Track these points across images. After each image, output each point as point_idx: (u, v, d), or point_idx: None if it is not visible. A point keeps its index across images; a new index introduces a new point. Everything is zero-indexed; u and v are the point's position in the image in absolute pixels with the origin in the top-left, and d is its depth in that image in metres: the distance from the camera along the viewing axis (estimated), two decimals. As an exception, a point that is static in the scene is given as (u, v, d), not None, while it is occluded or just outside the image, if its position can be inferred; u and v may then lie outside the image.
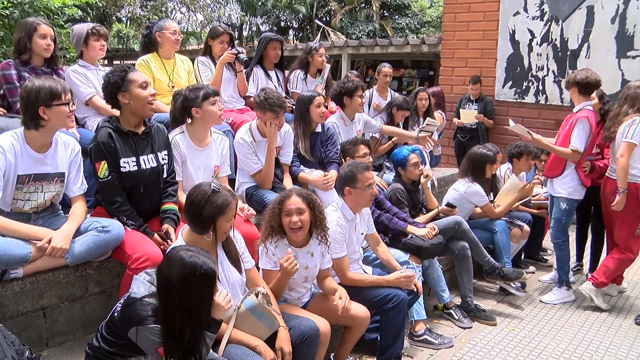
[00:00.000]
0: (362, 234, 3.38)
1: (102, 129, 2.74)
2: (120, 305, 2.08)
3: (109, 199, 2.74)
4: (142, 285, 2.07)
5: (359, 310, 2.89)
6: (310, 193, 2.83)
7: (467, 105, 6.93)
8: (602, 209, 4.27)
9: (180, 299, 1.93)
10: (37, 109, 2.42)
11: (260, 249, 2.78)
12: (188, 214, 2.38)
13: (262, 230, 2.83)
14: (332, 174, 3.86)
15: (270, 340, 2.41)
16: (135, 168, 2.78)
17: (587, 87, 4.00)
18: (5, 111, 3.28)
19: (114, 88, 2.73)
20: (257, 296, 2.36)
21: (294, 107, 4.37)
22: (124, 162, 2.74)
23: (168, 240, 2.71)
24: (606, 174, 4.14)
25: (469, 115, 6.71)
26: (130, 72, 2.75)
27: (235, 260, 2.53)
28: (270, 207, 2.81)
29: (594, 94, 4.34)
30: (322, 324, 2.68)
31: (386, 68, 5.88)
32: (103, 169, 2.68)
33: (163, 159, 2.92)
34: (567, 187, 4.09)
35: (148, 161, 2.84)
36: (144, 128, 2.86)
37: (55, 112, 2.45)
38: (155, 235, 2.78)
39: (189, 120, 3.20)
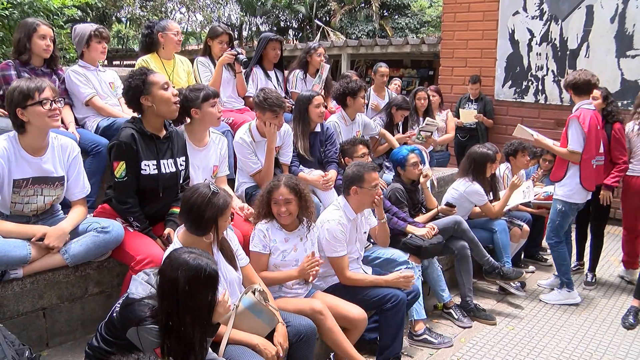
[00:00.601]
0: (365, 232, 3.38)
1: (125, 129, 2.71)
2: (118, 306, 2.08)
3: (122, 199, 2.73)
4: (140, 286, 2.07)
5: (355, 311, 2.90)
6: (297, 182, 2.91)
7: (467, 105, 6.93)
8: (626, 208, 4.42)
9: (184, 301, 1.94)
10: (14, 110, 2.41)
11: (253, 232, 2.88)
12: (188, 217, 2.38)
13: (253, 215, 2.99)
14: (332, 173, 3.87)
15: (268, 338, 2.42)
16: (156, 171, 2.76)
17: (578, 88, 3.99)
18: (6, 112, 3.28)
19: (136, 92, 2.70)
20: (254, 293, 2.37)
21: (293, 107, 4.37)
22: (145, 165, 2.72)
23: (170, 245, 2.71)
24: (629, 172, 4.28)
25: (469, 115, 6.72)
26: (150, 74, 2.73)
27: (230, 259, 2.55)
28: (260, 194, 2.96)
29: (597, 93, 4.35)
30: (317, 303, 2.74)
31: (382, 68, 5.89)
32: (121, 169, 2.66)
33: (181, 164, 2.90)
34: (566, 189, 4.07)
35: (168, 166, 2.82)
36: (165, 132, 2.84)
37: (31, 112, 2.42)
38: (158, 240, 2.78)
39: (188, 120, 3.20)
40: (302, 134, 3.98)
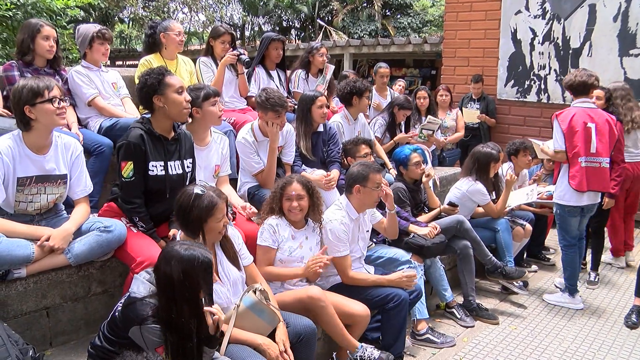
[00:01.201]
0: (368, 231, 3.39)
1: (133, 129, 2.71)
2: (120, 305, 2.09)
3: (128, 199, 2.73)
4: (141, 285, 2.08)
5: (358, 308, 2.90)
6: (310, 180, 2.97)
7: (470, 104, 6.93)
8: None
9: (180, 292, 1.95)
10: (22, 108, 2.43)
11: (263, 226, 2.93)
12: (178, 218, 2.41)
13: (263, 210, 3.04)
14: (334, 173, 3.87)
15: (268, 338, 2.42)
16: (163, 172, 2.77)
17: (574, 89, 3.95)
18: (9, 112, 3.30)
19: (150, 90, 2.70)
20: (255, 293, 2.37)
21: (295, 106, 4.37)
22: (152, 166, 2.72)
23: None
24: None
25: (472, 115, 6.71)
26: (167, 75, 2.73)
27: (233, 259, 2.55)
28: (272, 190, 3.02)
29: (601, 94, 4.32)
30: (314, 290, 2.75)
31: (383, 68, 5.90)
32: (128, 169, 2.67)
33: (188, 166, 2.91)
34: (557, 191, 4.04)
35: (175, 167, 2.83)
36: (173, 134, 2.84)
37: (39, 110, 2.44)
38: (162, 241, 2.79)
39: (190, 120, 3.21)
40: (305, 133, 3.98)
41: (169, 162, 2.79)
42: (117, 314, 2.08)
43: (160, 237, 2.84)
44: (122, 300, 2.11)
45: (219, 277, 2.46)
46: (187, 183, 2.90)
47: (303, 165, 3.96)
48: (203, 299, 2.03)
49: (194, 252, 1.99)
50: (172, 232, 2.77)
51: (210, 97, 3.12)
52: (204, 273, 2.00)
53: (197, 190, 2.37)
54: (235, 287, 2.51)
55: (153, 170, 2.73)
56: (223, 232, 2.47)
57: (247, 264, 2.67)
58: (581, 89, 3.93)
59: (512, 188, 4.46)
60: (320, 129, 4.09)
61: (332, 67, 4.89)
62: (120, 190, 2.77)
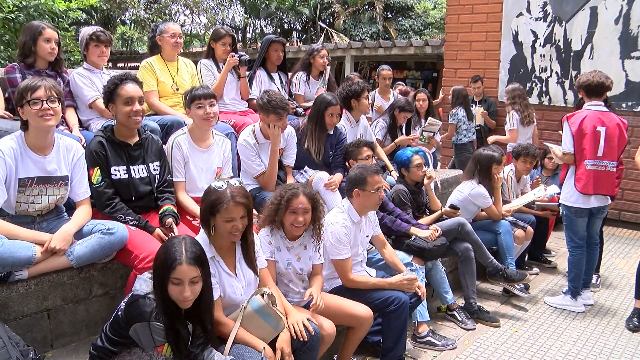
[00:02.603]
0: (368, 236, 3.38)
1: (94, 137, 2.86)
2: (123, 304, 2.10)
3: (103, 202, 2.79)
4: (144, 283, 2.09)
5: (362, 310, 2.89)
6: (314, 193, 2.86)
7: (471, 107, 6.93)
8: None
9: (158, 281, 2.04)
10: (16, 109, 2.50)
11: (258, 239, 2.81)
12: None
13: (261, 221, 2.86)
14: (337, 177, 3.85)
15: (271, 343, 2.41)
16: (126, 176, 2.87)
17: (590, 90, 3.93)
18: (11, 114, 3.31)
19: (105, 98, 2.88)
20: (262, 296, 2.37)
21: (296, 109, 4.36)
22: (115, 170, 2.84)
23: (171, 234, 2.77)
24: None
25: (477, 115, 6.67)
26: (122, 85, 2.82)
27: (251, 262, 2.54)
28: (275, 201, 2.79)
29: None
30: (327, 325, 2.70)
31: (385, 71, 5.90)
32: (96, 175, 2.78)
33: (154, 169, 3.00)
34: (564, 193, 4.04)
35: (139, 171, 2.92)
36: (137, 139, 2.93)
37: (27, 111, 2.47)
38: (157, 230, 2.82)
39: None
40: (318, 137, 3.90)
41: (131, 167, 2.89)
42: (119, 313, 2.08)
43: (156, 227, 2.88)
44: (125, 300, 2.12)
45: (236, 273, 2.49)
46: (156, 185, 2.99)
47: (306, 167, 3.94)
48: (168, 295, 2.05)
49: (169, 243, 2.09)
50: (170, 220, 2.84)
51: (195, 99, 3.19)
52: (165, 267, 2.02)
53: (214, 184, 2.40)
54: (249, 287, 2.53)
55: (116, 175, 2.85)
56: (236, 236, 2.40)
57: (261, 267, 2.64)
58: (598, 89, 3.92)
59: (500, 188, 4.42)
60: (330, 132, 4.05)
61: (328, 68, 4.89)
62: (94, 199, 2.83)
